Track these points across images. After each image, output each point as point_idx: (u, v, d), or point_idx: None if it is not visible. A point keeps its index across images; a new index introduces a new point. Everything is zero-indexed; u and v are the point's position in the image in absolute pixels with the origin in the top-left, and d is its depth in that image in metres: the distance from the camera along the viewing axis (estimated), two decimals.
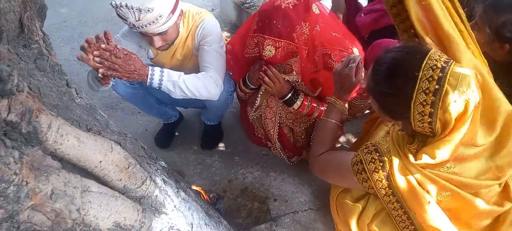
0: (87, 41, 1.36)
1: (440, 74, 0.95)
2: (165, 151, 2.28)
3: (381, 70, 1.07)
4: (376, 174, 1.12)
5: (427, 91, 0.96)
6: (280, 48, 1.51)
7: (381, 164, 1.11)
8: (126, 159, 0.99)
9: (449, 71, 0.95)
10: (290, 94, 1.72)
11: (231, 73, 1.91)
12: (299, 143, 2.00)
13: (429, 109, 0.97)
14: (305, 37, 1.54)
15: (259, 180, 2.07)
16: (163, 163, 1.32)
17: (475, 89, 0.96)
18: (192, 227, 1.18)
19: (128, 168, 0.98)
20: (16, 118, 0.75)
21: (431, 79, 0.96)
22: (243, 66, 1.79)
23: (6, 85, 0.70)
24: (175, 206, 1.13)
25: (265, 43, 1.50)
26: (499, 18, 1.39)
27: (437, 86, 0.95)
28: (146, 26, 1.51)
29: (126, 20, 1.50)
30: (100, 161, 0.92)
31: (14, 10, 0.91)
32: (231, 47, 1.76)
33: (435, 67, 0.96)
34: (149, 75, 1.51)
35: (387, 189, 1.13)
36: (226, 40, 2.02)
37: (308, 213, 1.87)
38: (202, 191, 1.71)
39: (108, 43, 1.39)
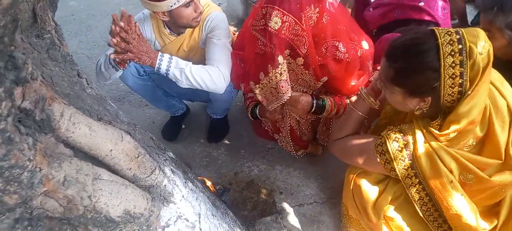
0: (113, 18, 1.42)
1: (458, 36, 1.01)
2: (172, 143, 2.30)
3: (398, 55, 1.10)
4: (399, 153, 1.14)
5: (453, 53, 1.00)
6: (286, 23, 1.46)
7: (404, 143, 1.13)
8: (135, 149, 1.00)
9: (463, 31, 1.01)
10: (315, 104, 1.71)
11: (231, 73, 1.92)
12: (305, 136, 2.00)
13: (460, 70, 1.01)
14: (312, 23, 1.52)
15: (264, 173, 2.08)
16: (171, 154, 1.33)
17: (488, 46, 1.02)
18: (200, 217, 1.20)
19: (138, 157, 1.00)
20: (30, 105, 0.76)
21: (452, 42, 1.01)
22: (247, 67, 1.77)
23: (21, 73, 0.72)
24: (183, 196, 1.14)
25: (273, 13, 1.46)
26: None
27: (460, 46, 1.00)
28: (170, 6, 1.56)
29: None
30: (111, 150, 0.93)
31: (27, 0, 0.92)
32: (240, 38, 1.77)
33: (449, 32, 1.02)
34: (158, 59, 1.53)
35: (409, 169, 1.14)
36: (233, 34, 2.02)
37: (314, 206, 1.88)
38: (208, 180, 1.73)
39: (128, 24, 1.43)
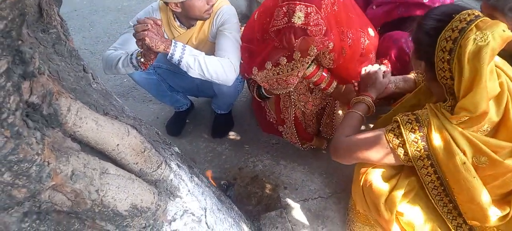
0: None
1: (473, 17, 1.04)
2: (176, 139, 2.31)
3: (424, 19, 1.18)
4: (412, 134, 1.15)
5: (455, 28, 1.05)
6: (311, 14, 1.46)
7: (418, 124, 1.15)
8: (142, 143, 1.00)
9: (482, 18, 1.04)
10: None
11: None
12: (310, 128, 1.99)
13: (450, 45, 1.05)
14: (325, 14, 1.52)
15: (269, 168, 2.08)
16: (176, 149, 1.33)
17: (497, 37, 1.01)
18: (206, 211, 1.20)
19: (144, 152, 1.00)
20: (38, 99, 0.76)
21: (464, 19, 1.05)
22: (258, 56, 1.78)
23: (28, 67, 0.72)
24: (189, 191, 1.15)
25: (296, 8, 1.46)
26: None
27: (465, 25, 1.03)
28: None
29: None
30: (117, 144, 0.93)
31: None
32: (248, 31, 1.76)
33: (462, 19, 1.05)
34: (172, 45, 1.52)
35: (422, 151, 1.15)
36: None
37: (318, 201, 1.88)
38: (208, 173, 1.74)
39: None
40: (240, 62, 1.78)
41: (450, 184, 1.16)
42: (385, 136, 1.21)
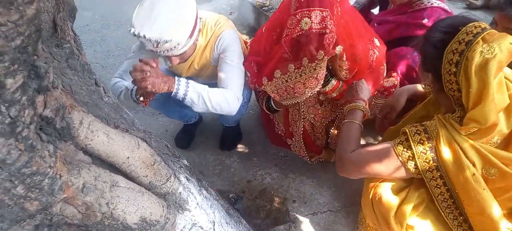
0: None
1: (480, 30, 1.04)
2: (185, 151, 2.31)
3: (431, 31, 1.19)
4: (421, 146, 1.14)
5: (462, 41, 1.04)
6: (327, 18, 1.46)
7: (426, 135, 1.14)
8: (152, 156, 1.01)
9: (489, 30, 1.03)
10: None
11: (248, 78, 1.93)
12: (319, 140, 1.99)
13: (457, 58, 1.04)
14: (336, 22, 1.52)
15: (277, 181, 2.07)
16: (185, 162, 1.34)
17: (505, 50, 1.00)
18: (214, 224, 1.20)
19: (154, 164, 1.01)
20: (51, 113, 0.78)
21: (470, 31, 1.04)
22: (266, 67, 1.79)
23: (43, 82, 0.73)
24: (197, 204, 1.15)
25: (312, 14, 1.45)
26: None
27: (471, 38, 1.03)
28: (164, 52, 1.58)
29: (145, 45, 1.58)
30: (128, 157, 0.94)
31: (48, 10, 0.94)
32: (256, 44, 1.77)
33: (469, 32, 1.05)
34: (175, 84, 1.54)
35: (431, 163, 1.14)
36: (245, 42, 2.03)
37: (327, 214, 1.86)
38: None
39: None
40: (248, 76, 1.80)
41: (460, 196, 1.15)
42: (394, 149, 1.20)
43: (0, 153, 0.62)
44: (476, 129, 1.07)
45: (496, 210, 1.10)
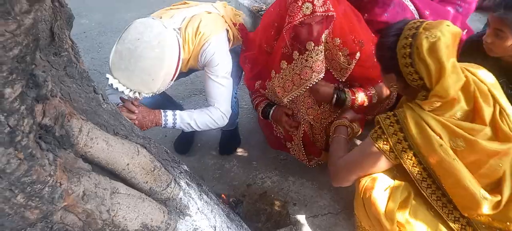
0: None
1: (419, 24, 1.20)
2: (184, 156, 2.31)
3: (382, 38, 1.33)
4: (391, 128, 1.25)
5: (408, 36, 1.20)
6: (328, 0, 1.46)
7: (395, 118, 1.26)
8: (151, 162, 1.02)
9: (424, 23, 1.20)
10: (335, 96, 1.71)
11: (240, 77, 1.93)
12: (319, 142, 1.98)
13: (408, 50, 1.19)
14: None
15: (277, 185, 2.07)
16: (185, 167, 1.34)
17: (446, 33, 1.15)
18: (215, 229, 1.20)
19: (154, 170, 1.01)
20: (50, 121, 0.78)
21: (412, 26, 1.21)
22: (261, 64, 1.77)
23: (41, 91, 0.74)
24: (198, 209, 1.15)
25: None
26: None
27: (414, 31, 1.18)
28: (161, 89, 1.58)
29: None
30: (127, 164, 0.94)
31: (45, 19, 0.94)
32: (252, 43, 1.77)
33: (413, 26, 1.21)
34: (163, 119, 1.63)
35: (403, 142, 1.23)
36: (236, 25, 1.95)
37: (328, 217, 1.86)
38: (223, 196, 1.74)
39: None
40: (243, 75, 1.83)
41: (435, 172, 1.21)
42: (374, 144, 1.29)
43: (0, 162, 0.62)
44: (439, 103, 1.18)
45: (470, 179, 1.16)
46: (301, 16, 1.48)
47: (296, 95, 1.70)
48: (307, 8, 1.46)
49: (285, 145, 2.04)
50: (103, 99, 1.11)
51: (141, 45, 1.42)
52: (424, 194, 1.27)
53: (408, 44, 1.19)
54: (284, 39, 1.58)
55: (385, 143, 1.27)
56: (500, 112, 1.21)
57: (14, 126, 0.64)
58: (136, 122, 1.55)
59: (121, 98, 1.59)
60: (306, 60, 1.57)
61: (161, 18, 1.66)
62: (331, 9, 1.46)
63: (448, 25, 1.17)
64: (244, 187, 2.08)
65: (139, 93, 1.48)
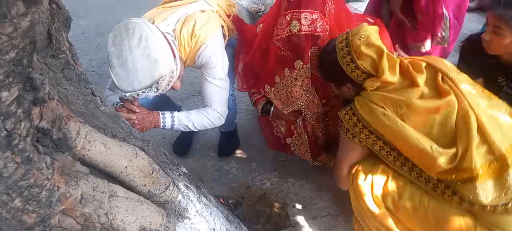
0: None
1: (345, 35, 1.41)
2: (183, 158, 2.30)
3: (322, 62, 1.53)
4: (346, 115, 1.41)
5: (343, 47, 1.39)
6: (316, 20, 1.47)
7: (349, 107, 1.42)
8: (150, 165, 1.01)
9: (349, 33, 1.40)
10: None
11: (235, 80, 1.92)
12: (320, 140, 1.96)
13: (348, 58, 1.37)
14: (329, 18, 1.54)
15: (277, 186, 2.07)
16: (184, 169, 1.33)
17: (370, 29, 1.37)
18: None
19: (152, 173, 1.00)
20: (48, 124, 0.77)
21: (342, 39, 1.41)
22: (257, 69, 1.77)
23: (39, 93, 0.73)
24: (197, 211, 1.14)
25: (301, 16, 1.46)
26: None
27: (344, 39, 1.39)
28: (166, 88, 1.50)
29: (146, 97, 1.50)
30: (126, 167, 0.94)
31: (42, 21, 0.94)
32: (249, 36, 1.77)
33: (341, 39, 1.42)
34: (161, 120, 1.65)
35: (356, 121, 1.38)
36: (229, 17, 1.92)
37: (327, 218, 1.86)
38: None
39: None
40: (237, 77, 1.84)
41: (391, 142, 1.32)
42: (351, 140, 1.42)
43: None
44: (378, 83, 1.33)
45: (417, 138, 1.24)
46: (288, 31, 1.50)
47: (296, 108, 1.72)
48: (294, 26, 1.48)
49: (285, 145, 2.02)
50: (101, 102, 1.11)
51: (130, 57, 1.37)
52: (394, 167, 1.38)
53: (346, 53, 1.38)
54: (274, 49, 1.61)
55: (347, 130, 1.42)
56: (442, 77, 1.33)
57: (11, 130, 0.63)
58: (136, 123, 1.54)
59: (120, 98, 1.58)
60: (296, 78, 1.61)
61: (154, 22, 1.62)
62: (318, 30, 1.48)
63: (367, 25, 1.40)
64: (243, 188, 2.07)
65: (158, 84, 1.43)
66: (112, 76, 1.40)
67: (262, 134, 2.31)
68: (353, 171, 1.48)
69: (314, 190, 2.01)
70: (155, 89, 1.43)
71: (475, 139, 1.21)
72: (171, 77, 1.47)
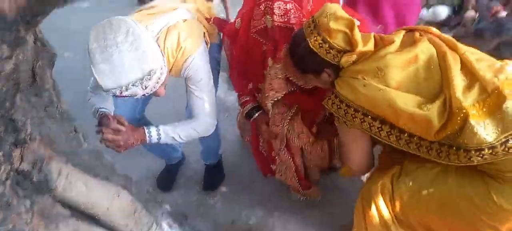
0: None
1: (310, 19, 1.33)
2: (168, 192, 2.27)
3: (294, 54, 1.43)
4: (329, 101, 1.32)
5: (312, 30, 1.31)
6: (291, 10, 1.42)
7: (332, 92, 1.33)
8: (132, 204, 0.99)
9: (313, 17, 1.33)
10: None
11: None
12: (319, 161, 1.90)
13: (319, 39, 1.30)
14: (309, 8, 1.48)
15: (262, 221, 2.04)
16: (167, 207, 1.31)
17: (333, 6, 1.31)
18: None
19: (135, 213, 0.99)
20: (28, 166, 0.76)
21: (308, 23, 1.33)
22: (246, 69, 1.71)
23: (20, 135, 0.72)
24: None
25: (274, 5, 1.40)
26: None
27: (311, 22, 1.32)
28: (153, 88, 1.41)
29: (133, 97, 1.39)
30: (107, 208, 0.92)
31: (27, 60, 0.94)
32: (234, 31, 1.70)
33: (308, 23, 1.34)
34: (147, 136, 1.57)
35: (339, 103, 1.29)
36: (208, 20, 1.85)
37: None
38: None
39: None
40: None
41: (380, 115, 1.22)
42: (336, 121, 1.36)
43: None
44: (354, 56, 1.27)
45: (402, 101, 1.15)
46: (263, 22, 1.46)
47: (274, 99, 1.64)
48: (268, 20, 1.43)
49: (271, 165, 1.93)
50: (84, 139, 1.10)
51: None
52: (389, 143, 1.26)
53: (316, 35, 1.30)
54: (254, 43, 1.56)
55: (338, 119, 1.33)
56: (420, 33, 1.29)
57: None
58: (121, 143, 1.47)
59: (102, 119, 1.49)
60: (269, 74, 1.55)
61: None
62: (291, 21, 1.42)
63: (330, 4, 1.34)
64: (228, 224, 2.04)
65: (144, 80, 1.32)
66: (95, 74, 1.26)
67: (248, 164, 2.28)
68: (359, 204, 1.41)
69: (300, 224, 1.99)
70: (144, 86, 1.33)
71: (459, 77, 1.15)
72: (161, 75, 1.39)
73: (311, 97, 1.68)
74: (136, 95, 1.37)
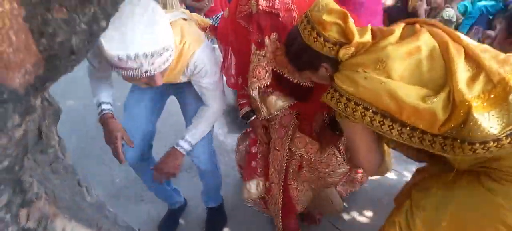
0: None
1: (305, 14, 1.33)
2: None
3: (290, 52, 1.43)
4: (329, 95, 1.28)
5: (306, 26, 1.31)
6: None
7: (331, 87, 1.29)
8: None
9: (308, 12, 1.32)
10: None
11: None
12: (321, 183, 1.83)
13: (314, 34, 1.29)
14: None
15: None
16: None
17: (326, 0, 1.29)
18: None
19: None
20: (34, 224, 0.79)
21: (303, 19, 1.33)
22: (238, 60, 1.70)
23: (27, 195, 0.75)
24: None
25: None
26: None
27: (304, 18, 1.32)
28: (158, 68, 1.34)
29: (136, 70, 1.30)
30: None
31: (34, 120, 0.98)
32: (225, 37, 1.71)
33: (302, 19, 1.34)
34: (183, 151, 1.75)
35: (339, 97, 1.25)
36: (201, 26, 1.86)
37: None
38: None
39: None
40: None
41: (380, 107, 1.17)
42: (340, 119, 1.32)
43: None
44: (352, 49, 1.24)
45: (405, 92, 1.12)
46: (248, 8, 1.46)
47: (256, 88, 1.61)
48: (253, 5, 1.42)
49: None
50: (87, 192, 1.13)
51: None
52: (391, 137, 1.21)
53: (310, 29, 1.29)
54: (240, 25, 1.56)
55: (340, 116, 1.29)
56: (421, 25, 1.26)
57: None
58: (170, 170, 1.72)
59: (112, 132, 1.67)
60: (264, 56, 1.52)
61: None
62: (276, 6, 1.39)
63: None
64: None
65: (154, 56, 1.28)
66: (102, 40, 1.19)
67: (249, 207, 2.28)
68: None
69: None
70: (150, 62, 1.27)
71: (462, 69, 1.12)
72: (169, 57, 1.35)
73: (306, 105, 1.69)
74: (135, 71, 1.28)
